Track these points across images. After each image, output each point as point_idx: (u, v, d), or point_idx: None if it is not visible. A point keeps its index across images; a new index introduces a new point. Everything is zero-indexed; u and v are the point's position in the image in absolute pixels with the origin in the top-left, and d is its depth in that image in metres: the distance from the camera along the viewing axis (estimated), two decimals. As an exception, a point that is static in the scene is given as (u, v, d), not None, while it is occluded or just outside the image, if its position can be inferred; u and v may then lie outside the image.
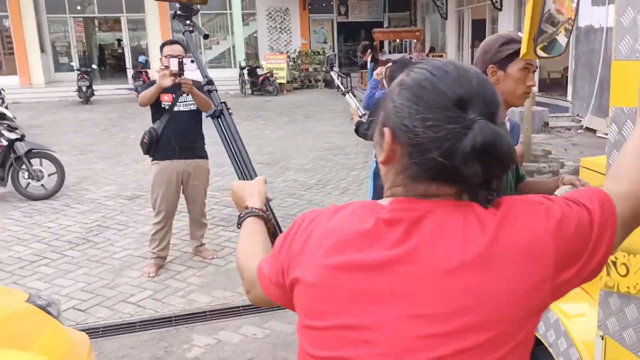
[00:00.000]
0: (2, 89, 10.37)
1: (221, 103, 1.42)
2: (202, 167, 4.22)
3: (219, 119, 1.42)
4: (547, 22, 1.52)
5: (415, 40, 18.75)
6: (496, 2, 13.67)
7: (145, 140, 4.01)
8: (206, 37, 1.56)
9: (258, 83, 17.34)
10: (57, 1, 19.02)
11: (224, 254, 4.50)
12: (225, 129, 1.42)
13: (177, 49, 3.95)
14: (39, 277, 4.18)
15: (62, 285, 4.01)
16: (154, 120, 4.07)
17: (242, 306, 3.61)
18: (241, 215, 1.21)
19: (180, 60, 3.72)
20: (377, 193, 4.01)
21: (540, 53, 1.56)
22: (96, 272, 4.24)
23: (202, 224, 4.46)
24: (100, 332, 3.37)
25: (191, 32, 1.50)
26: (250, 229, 1.17)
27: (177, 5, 1.46)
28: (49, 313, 1.92)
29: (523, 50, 1.59)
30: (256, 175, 1.36)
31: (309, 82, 19.42)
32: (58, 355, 1.71)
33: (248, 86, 17.52)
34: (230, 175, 7.12)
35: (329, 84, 19.31)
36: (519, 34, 1.76)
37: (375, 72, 4.64)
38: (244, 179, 1.37)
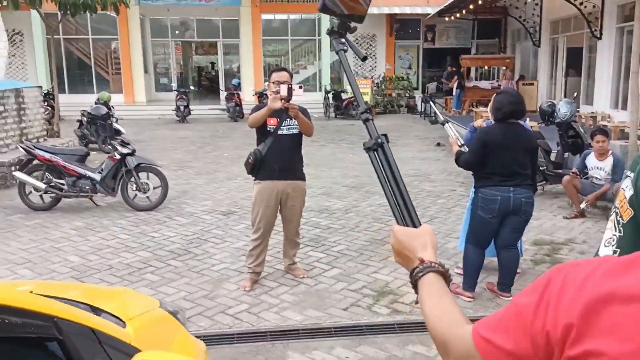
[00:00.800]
0: (112, 107, 11.32)
1: (382, 135, 1.25)
2: (300, 188, 4.44)
3: (376, 152, 1.24)
4: None
5: (504, 68, 18.42)
6: (595, 30, 13.18)
7: (250, 160, 4.25)
8: (364, 59, 1.39)
9: (342, 107, 17.70)
10: (161, 26, 20.52)
11: (314, 274, 4.66)
12: (383, 164, 1.24)
13: (284, 75, 4.24)
14: (146, 283, 4.53)
15: (166, 293, 4.32)
16: (258, 142, 4.30)
17: (334, 327, 3.73)
18: (417, 268, 1.08)
19: (290, 86, 4.00)
20: (474, 224, 4.03)
21: None
22: (197, 282, 4.53)
23: (295, 243, 4.66)
24: (203, 341, 3.61)
25: (345, 51, 1.37)
26: (438, 289, 1.05)
27: (335, 21, 1.37)
28: (178, 319, 2.14)
29: None
30: (419, 221, 1.18)
31: (392, 107, 19.54)
32: (190, 359, 1.90)
33: (332, 110, 17.92)
34: (317, 196, 7.34)
35: (412, 109, 19.33)
36: None
37: (475, 124, 4.68)
38: (404, 224, 1.19)
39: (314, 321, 3.84)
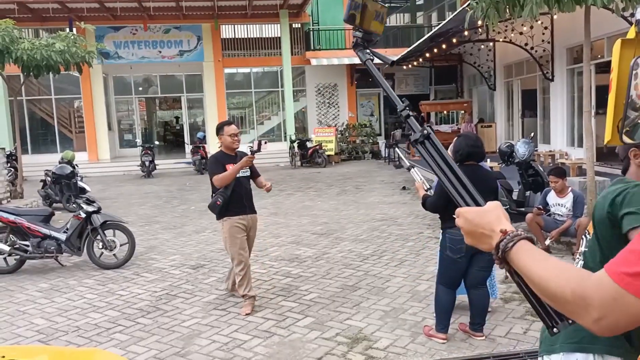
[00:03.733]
0: (77, 165, 11.19)
1: (428, 126, 1.26)
2: (256, 220, 5.23)
3: (423, 145, 1.24)
4: (630, 107, 1.52)
5: (463, 112, 19.09)
6: (547, 72, 13.89)
7: (219, 202, 4.83)
8: (393, 64, 1.52)
9: (307, 155, 17.94)
10: (125, 83, 20.63)
11: (286, 325, 4.61)
12: (433, 153, 1.24)
13: (235, 128, 5.05)
14: (115, 343, 4.40)
15: (136, 352, 4.20)
16: (215, 188, 4.89)
17: (309, 376, 3.68)
18: (504, 240, 1.05)
19: (260, 141, 4.86)
20: (443, 265, 4.10)
21: (626, 139, 1.54)
22: (167, 339, 4.43)
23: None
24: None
25: (372, 60, 1.43)
26: (539, 252, 1.02)
27: (358, 34, 1.44)
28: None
29: (607, 137, 1.65)
30: (483, 200, 1.17)
31: (357, 153, 19.89)
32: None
33: (298, 158, 18.13)
34: (287, 245, 7.34)
35: (376, 155, 19.71)
36: None
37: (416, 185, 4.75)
38: (467, 206, 1.17)
39: (289, 372, 3.79)
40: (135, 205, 11.26)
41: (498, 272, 5.25)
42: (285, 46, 18.90)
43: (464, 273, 4.08)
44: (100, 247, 6.54)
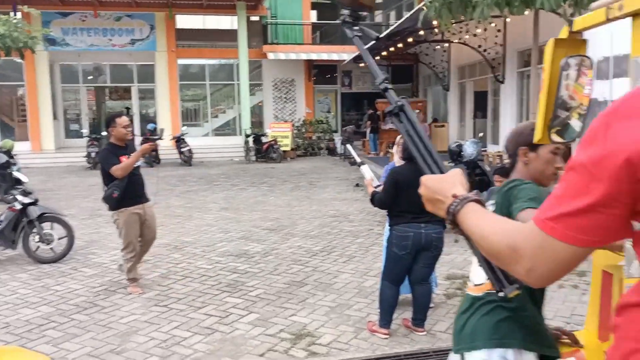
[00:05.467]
0: (15, 155, 10.65)
1: (402, 98, 1.32)
2: (150, 207, 5.34)
3: (398, 116, 1.31)
4: (560, 107, 1.57)
5: (418, 111, 19.34)
6: (498, 75, 14.21)
7: (115, 195, 4.89)
8: (377, 39, 1.48)
9: (262, 150, 17.74)
10: (72, 72, 19.84)
11: (229, 321, 4.50)
12: (407, 124, 1.30)
13: (127, 119, 5.16)
14: (47, 340, 4.18)
15: (69, 350, 4.00)
16: (109, 179, 4.93)
17: (249, 373, 3.59)
18: (454, 204, 1.09)
19: (163, 129, 4.61)
20: (389, 261, 4.08)
21: (555, 138, 1.60)
22: (103, 336, 4.24)
23: (148, 251, 5.53)
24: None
25: (360, 36, 1.44)
26: (483, 212, 1.05)
27: (346, 12, 1.45)
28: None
29: (538, 136, 1.65)
30: (445, 169, 1.24)
31: (312, 149, 19.84)
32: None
33: (252, 153, 17.92)
34: (236, 241, 7.21)
35: (332, 151, 19.72)
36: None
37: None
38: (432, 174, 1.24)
39: (229, 370, 3.68)
40: (79, 198, 10.82)
41: (440, 270, 5.30)
42: (241, 39, 18.61)
43: (409, 269, 4.07)
44: (37, 240, 6.22)
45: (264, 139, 18.02)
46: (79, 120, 20.48)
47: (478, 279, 1.95)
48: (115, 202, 4.97)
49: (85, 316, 4.66)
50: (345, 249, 6.73)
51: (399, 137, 4.28)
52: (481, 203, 1.08)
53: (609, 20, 1.47)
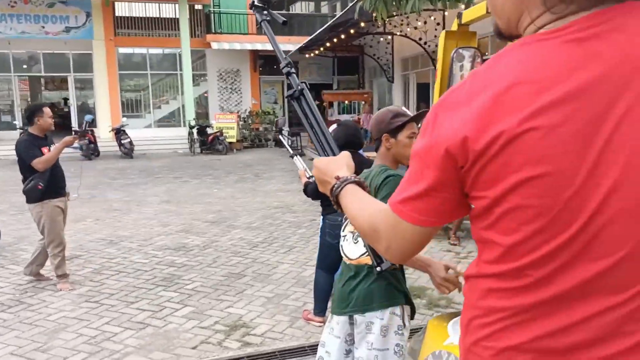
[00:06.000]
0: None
1: (302, 82, 1.40)
2: (67, 200, 5.23)
3: (298, 100, 1.39)
4: None
5: (363, 102, 19.49)
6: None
7: (40, 186, 4.75)
8: (284, 23, 1.53)
9: (207, 142, 17.45)
10: (3, 60, 18.81)
11: (163, 315, 4.41)
12: (305, 108, 1.39)
13: (50, 111, 5.06)
14: (-35, 342, 3.96)
15: (-11, 351, 3.81)
16: (29, 172, 4.78)
17: (181, 367, 3.53)
18: (335, 186, 1.16)
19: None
20: (323, 250, 4.10)
21: None
22: (28, 334, 4.06)
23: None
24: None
25: (268, 21, 1.50)
26: (356, 194, 1.13)
27: None
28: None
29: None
30: (338, 152, 1.34)
31: (259, 141, 19.69)
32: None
33: (197, 145, 17.59)
34: (174, 234, 7.06)
35: (279, 143, 19.63)
36: (403, 108, 2.28)
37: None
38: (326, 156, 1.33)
39: (160, 364, 3.61)
40: (10, 193, 10.30)
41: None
42: (183, 28, 18.17)
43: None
44: (-42, 237, 5.89)
45: (209, 130, 17.73)
46: (12, 111, 19.48)
47: (352, 254, 2.30)
48: (39, 194, 4.81)
49: (10, 314, 4.45)
50: (286, 240, 6.72)
51: (332, 127, 4.29)
52: (361, 185, 1.16)
53: (488, 13, 1.51)
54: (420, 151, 0.91)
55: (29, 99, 20.66)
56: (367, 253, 2.20)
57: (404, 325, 2.23)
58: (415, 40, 14.32)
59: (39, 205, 4.87)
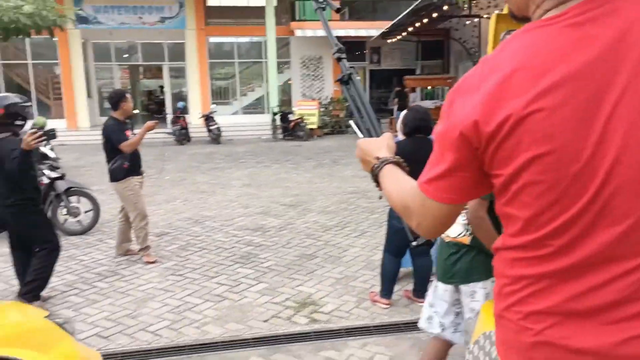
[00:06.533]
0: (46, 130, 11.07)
1: (351, 68, 1.48)
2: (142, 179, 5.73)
3: (347, 84, 1.47)
4: None
5: (447, 87, 19.07)
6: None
7: (126, 166, 5.27)
8: (339, 10, 1.61)
9: (289, 128, 17.88)
10: (105, 50, 20.30)
11: (239, 290, 4.71)
12: (353, 92, 1.47)
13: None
14: (68, 305, 4.48)
15: (88, 314, 4.29)
16: (114, 153, 5.27)
17: (252, 338, 3.80)
18: (375, 166, 1.24)
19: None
20: (390, 233, 4.19)
21: None
22: (120, 302, 4.52)
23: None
24: (120, 358, 3.61)
25: (323, 9, 1.55)
26: (394, 173, 1.21)
27: None
28: (65, 329, 2.19)
29: None
30: (380, 133, 1.41)
31: (340, 127, 19.87)
32: (71, 363, 1.96)
33: (280, 131, 18.08)
34: (254, 215, 7.42)
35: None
36: None
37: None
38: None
39: (234, 334, 3.90)
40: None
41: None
42: (269, 16, 18.63)
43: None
44: (64, 213, 6.57)
45: (290, 117, 18.15)
46: (113, 98, 21.01)
47: (451, 232, 2.62)
48: (124, 173, 5.32)
49: (106, 284, 4.96)
50: (358, 225, 6.86)
51: (402, 113, 4.34)
52: (400, 165, 1.24)
53: None
54: (439, 135, 1.01)
55: (129, 87, 22.13)
56: (463, 233, 2.60)
57: None
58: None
59: (123, 182, 5.38)
